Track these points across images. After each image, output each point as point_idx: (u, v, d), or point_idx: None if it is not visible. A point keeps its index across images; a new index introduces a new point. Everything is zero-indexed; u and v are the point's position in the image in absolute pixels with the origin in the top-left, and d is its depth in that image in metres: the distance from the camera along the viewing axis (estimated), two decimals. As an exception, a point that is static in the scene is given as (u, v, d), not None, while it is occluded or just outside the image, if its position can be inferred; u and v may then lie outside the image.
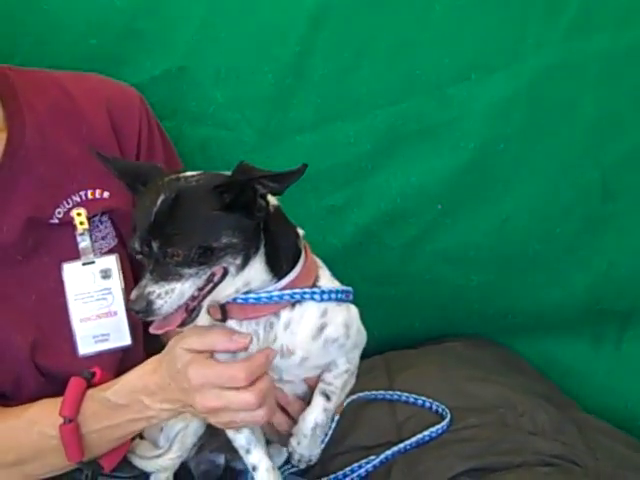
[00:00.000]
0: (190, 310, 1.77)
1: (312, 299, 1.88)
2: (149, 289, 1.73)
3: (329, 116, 2.74)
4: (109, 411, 1.97)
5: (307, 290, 1.88)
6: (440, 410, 2.60)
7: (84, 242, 2.17)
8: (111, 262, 2.20)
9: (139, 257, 1.78)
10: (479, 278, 2.95)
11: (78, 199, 2.18)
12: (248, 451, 2.00)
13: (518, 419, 2.57)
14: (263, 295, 1.85)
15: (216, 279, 1.78)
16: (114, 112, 2.28)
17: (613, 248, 2.90)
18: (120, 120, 2.28)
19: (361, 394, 2.60)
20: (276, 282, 1.85)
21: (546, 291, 2.98)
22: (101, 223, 2.22)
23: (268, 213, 1.80)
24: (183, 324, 1.78)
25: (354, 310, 1.96)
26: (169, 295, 1.73)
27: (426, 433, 2.50)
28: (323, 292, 1.90)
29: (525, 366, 3.03)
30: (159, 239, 1.73)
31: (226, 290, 1.82)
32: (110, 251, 2.21)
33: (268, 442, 2.08)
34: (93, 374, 2.02)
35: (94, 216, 2.20)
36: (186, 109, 2.71)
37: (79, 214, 2.17)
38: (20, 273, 2.13)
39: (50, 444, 1.98)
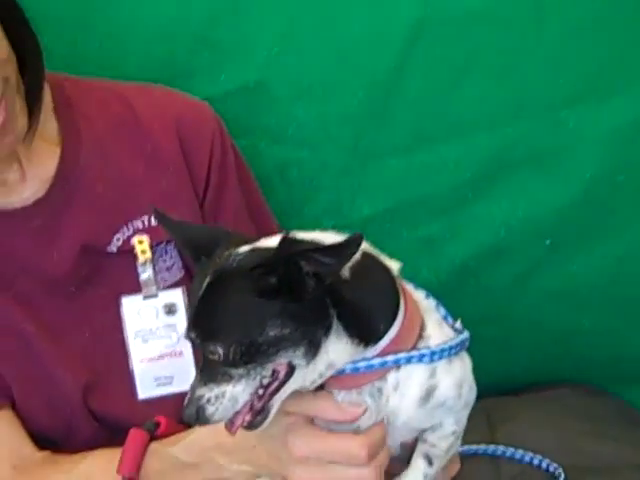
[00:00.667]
0: (256, 411, 1.54)
1: (421, 362, 1.64)
2: (198, 393, 1.52)
3: (426, 138, 2.59)
4: (176, 470, 1.80)
5: (414, 354, 1.63)
6: (552, 469, 2.40)
7: (146, 273, 2.05)
8: (176, 296, 2.08)
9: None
10: (591, 322, 2.77)
11: (140, 225, 2.07)
12: None
13: None
14: (361, 365, 1.60)
15: (282, 376, 1.53)
16: (184, 131, 2.15)
17: None
18: (191, 140, 2.15)
19: (459, 448, 2.37)
20: (372, 346, 1.60)
21: None
22: (166, 252, 2.10)
23: (336, 284, 1.53)
24: (251, 426, 1.55)
25: (468, 363, 1.73)
26: (219, 400, 1.51)
27: None
28: (434, 353, 1.64)
29: None
30: (197, 333, 1.53)
31: (305, 380, 1.56)
32: (175, 284, 2.10)
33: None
34: (157, 425, 1.86)
35: (158, 244, 2.08)
36: (264, 127, 2.56)
37: (141, 242, 2.05)
38: (73, 307, 2.04)
39: None
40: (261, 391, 1.52)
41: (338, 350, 1.55)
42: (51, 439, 2.03)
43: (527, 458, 2.44)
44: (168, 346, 2.06)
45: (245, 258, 1.53)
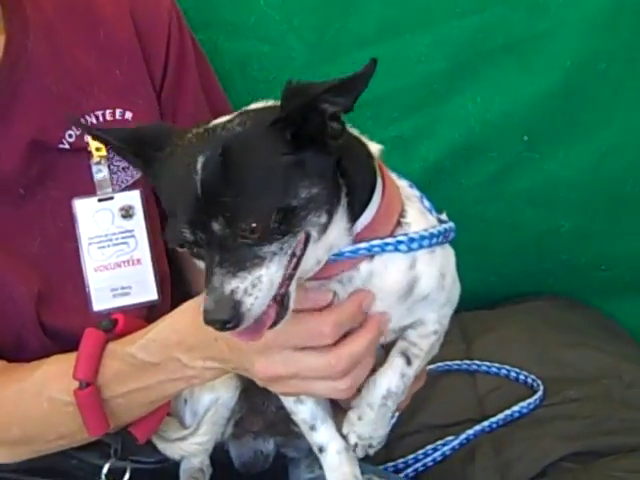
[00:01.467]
0: (280, 300, 1.40)
1: (397, 250, 1.53)
2: (229, 286, 1.35)
3: (394, 29, 2.51)
4: (137, 371, 1.71)
5: (390, 241, 1.53)
6: (530, 381, 2.43)
7: (101, 173, 1.92)
8: (134, 198, 1.94)
9: (189, 250, 1.42)
10: (570, 223, 2.72)
11: (94, 120, 1.93)
12: (313, 427, 1.71)
13: (625, 392, 2.39)
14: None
15: (298, 251, 1.41)
16: (139, 15, 2.02)
17: None
18: (146, 24, 2.02)
19: (433, 366, 2.38)
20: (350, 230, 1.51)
21: None
22: None
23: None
24: (277, 321, 1.41)
25: (451, 254, 1.64)
26: (258, 287, 1.35)
27: (515, 409, 2.32)
28: (412, 240, 1.54)
29: (620, 331, 2.84)
30: (221, 215, 1.34)
31: (307, 264, 1.45)
32: (133, 185, 1.96)
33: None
34: (114, 323, 1.74)
35: None
36: (222, 20, 2.49)
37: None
38: (22, 210, 1.89)
39: (64, 413, 1.72)
40: (288, 270, 1.40)
41: (339, 228, 1.46)
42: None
43: (504, 371, 2.45)
44: (125, 253, 1.93)
45: (250, 120, 1.41)
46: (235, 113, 1.46)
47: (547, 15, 2.46)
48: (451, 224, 1.64)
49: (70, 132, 1.90)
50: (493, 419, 2.30)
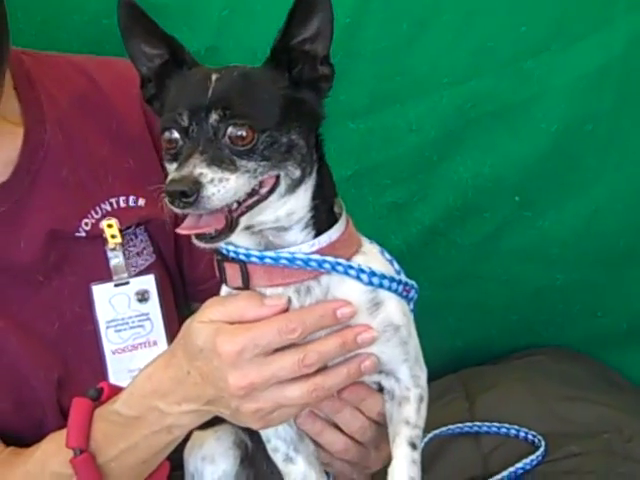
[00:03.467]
0: (230, 221, 1.55)
1: (358, 279, 1.67)
2: (199, 170, 1.50)
3: (386, 99, 2.59)
4: (122, 428, 1.77)
5: (354, 265, 1.67)
6: (531, 438, 2.45)
7: (116, 259, 2.04)
8: (149, 282, 2.06)
9: (175, 137, 1.57)
10: (564, 277, 2.80)
11: (109, 207, 2.06)
12: (289, 458, 1.79)
13: (626, 445, 2.41)
14: (299, 257, 1.63)
15: (263, 191, 1.58)
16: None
17: None
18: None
19: (437, 431, 2.45)
20: (312, 239, 1.66)
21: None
22: (136, 236, 2.09)
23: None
24: (219, 235, 1.54)
25: (411, 317, 1.78)
26: (223, 185, 1.51)
27: (518, 466, 2.34)
28: (374, 274, 1.68)
29: (621, 381, 2.89)
30: (222, 108, 1.54)
31: (266, 213, 1.60)
32: (147, 269, 2.08)
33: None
34: (100, 391, 1.83)
35: (128, 228, 2.07)
36: None
37: (110, 226, 2.04)
38: (41, 297, 2.00)
39: None
40: (242, 199, 1.54)
41: (303, 203, 1.63)
42: (22, 438, 1.97)
43: (504, 430, 2.48)
44: (141, 336, 2.03)
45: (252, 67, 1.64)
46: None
47: (532, 82, 2.54)
48: (414, 283, 1.76)
49: (86, 220, 2.01)
50: (497, 477, 2.32)
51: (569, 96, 2.56)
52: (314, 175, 1.65)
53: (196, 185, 1.47)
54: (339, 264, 1.64)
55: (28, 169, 1.98)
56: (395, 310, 1.70)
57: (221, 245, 1.64)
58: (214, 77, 1.56)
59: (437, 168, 2.64)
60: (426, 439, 2.30)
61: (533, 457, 2.36)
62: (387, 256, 1.79)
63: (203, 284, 2.15)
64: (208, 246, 1.55)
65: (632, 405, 2.64)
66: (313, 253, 1.63)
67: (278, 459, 1.79)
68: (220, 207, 1.50)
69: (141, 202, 2.04)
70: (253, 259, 1.63)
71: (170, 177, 1.49)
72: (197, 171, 1.49)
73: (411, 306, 1.78)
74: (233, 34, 2.52)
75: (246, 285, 1.65)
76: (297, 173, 1.59)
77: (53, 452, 1.83)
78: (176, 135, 1.56)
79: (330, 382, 1.65)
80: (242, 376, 1.60)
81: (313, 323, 1.61)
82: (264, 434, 1.79)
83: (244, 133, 1.52)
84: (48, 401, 1.97)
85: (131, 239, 2.06)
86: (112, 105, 2.10)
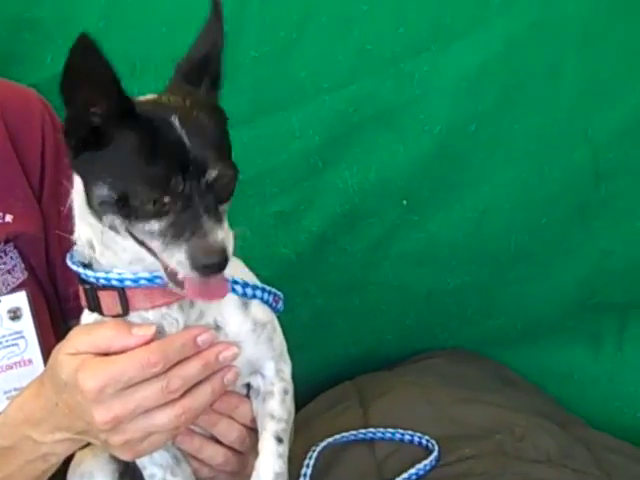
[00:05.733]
0: None
1: (233, 291, 1.71)
2: (220, 235, 1.53)
3: (267, 106, 2.63)
4: None
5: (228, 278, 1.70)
6: (425, 442, 2.47)
7: None
8: (21, 300, 2.05)
9: (166, 200, 1.52)
10: (455, 280, 2.86)
11: None
12: None
13: (517, 445, 2.44)
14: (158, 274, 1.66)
15: None
16: (10, 120, 2.14)
17: (606, 235, 2.81)
18: (18, 129, 2.13)
19: (330, 439, 2.45)
20: None
21: (532, 288, 2.90)
22: (6, 254, 2.08)
23: None
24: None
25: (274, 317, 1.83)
26: (228, 236, 1.55)
27: (412, 471, 2.34)
28: (246, 285, 1.74)
29: (517, 380, 2.94)
30: (212, 165, 1.53)
31: None
32: (18, 287, 2.07)
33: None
34: None
35: None
36: None
37: None
38: None
39: None
40: None
41: None
42: None
43: (398, 435, 2.50)
44: (16, 354, 2.03)
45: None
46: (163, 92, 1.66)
47: (413, 83, 2.59)
48: (280, 293, 1.82)
49: None
50: None
51: (451, 96, 2.62)
52: None
53: (224, 251, 1.52)
54: None
55: None
56: (262, 311, 1.76)
57: (87, 273, 1.67)
58: (184, 131, 1.53)
59: (323, 174, 2.68)
60: (320, 447, 2.34)
61: (426, 462, 2.35)
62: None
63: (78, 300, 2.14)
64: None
65: (523, 404, 2.70)
66: None
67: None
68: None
69: (8, 218, 2.04)
70: (127, 283, 1.65)
71: (200, 247, 1.51)
72: (220, 238, 1.51)
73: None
74: (111, 45, 2.51)
75: (125, 312, 1.66)
76: None
77: None
78: (167, 198, 1.52)
79: (197, 403, 1.68)
80: (106, 410, 1.62)
81: (175, 354, 1.63)
82: (139, 462, 1.82)
83: (228, 170, 1.56)
84: None
85: (0, 257, 2.05)
86: None
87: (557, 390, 2.95)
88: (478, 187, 2.72)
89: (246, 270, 1.80)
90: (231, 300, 1.72)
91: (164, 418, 1.64)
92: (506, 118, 2.65)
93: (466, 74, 2.60)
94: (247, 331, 1.75)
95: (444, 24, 2.58)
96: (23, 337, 2.03)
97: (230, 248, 1.53)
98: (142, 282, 1.64)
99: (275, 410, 1.80)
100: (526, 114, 2.65)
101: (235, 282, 1.71)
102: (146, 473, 1.83)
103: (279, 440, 1.77)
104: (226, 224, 1.54)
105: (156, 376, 1.62)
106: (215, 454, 1.83)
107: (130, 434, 1.65)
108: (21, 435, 1.75)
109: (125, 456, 1.71)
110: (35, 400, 1.74)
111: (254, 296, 1.74)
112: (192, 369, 1.65)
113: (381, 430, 2.51)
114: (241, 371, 1.76)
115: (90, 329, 1.69)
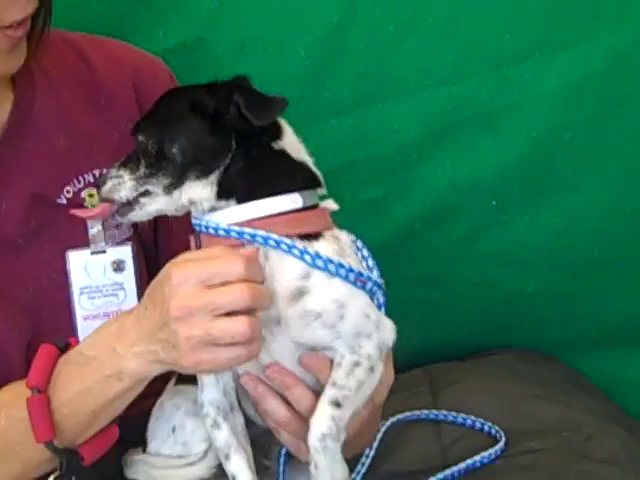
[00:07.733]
0: (123, 209, 1.97)
1: (302, 258, 1.81)
2: (111, 170, 1.95)
3: (369, 98, 2.69)
4: (79, 368, 1.84)
5: (299, 246, 1.81)
6: (493, 432, 2.51)
7: (95, 228, 2.10)
8: (125, 253, 2.13)
9: None
10: (537, 284, 2.89)
11: (91, 178, 2.13)
12: (227, 457, 1.91)
13: (584, 444, 2.45)
14: (222, 227, 1.83)
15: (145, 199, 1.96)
16: (141, 85, 2.25)
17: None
18: (147, 95, 2.19)
19: (400, 416, 2.53)
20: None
21: (613, 300, 2.92)
22: None
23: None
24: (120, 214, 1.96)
25: (361, 297, 1.86)
26: (115, 180, 1.94)
27: (477, 458, 2.40)
28: (318, 256, 1.81)
29: (587, 384, 2.97)
30: (135, 126, 1.95)
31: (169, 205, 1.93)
32: (125, 241, 2.16)
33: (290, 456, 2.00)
34: (67, 344, 1.91)
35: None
36: None
37: (91, 195, 2.11)
38: (19, 261, 2.07)
39: (20, 430, 1.84)
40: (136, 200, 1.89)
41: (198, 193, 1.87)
42: None
43: (469, 422, 2.56)
44: (114, 304, 2.11)
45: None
46: None
47: (515, 88, 2.63)
48: (376, 279, 1.87)
49: (68, 188, 2.09)
50: (455, 468, 2.34)
51: (550, 104, 2.66)
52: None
53: (105, 180, 1.95)
54: (281, 242, 1.80)
55: (17, 134, 2.06)
56: (320, 299, 1.81)
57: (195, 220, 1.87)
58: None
59: (416, 168, 2.73)
60: (388, 424, 2.42)
61: (491, 451, 2.40)
62: (365, 253, 1.93)
63: None
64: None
65: (593, 406, 2.70)
66: (242, 224, 1.81)
67: (207, 425, 1.93)
68: (110, 196, 1.92)
69: None
70: (210, 230, 1.85)
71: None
72: (111, 170, 1.95)
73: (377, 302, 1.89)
74: (221, 27, 2.62)
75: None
76: (162, 185, 1.88)
77: (14, 396, 1.87)
78: None
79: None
80: (182, 297, 1.68)
81: (258, 272, 1.75)
82: (200, 399, 1.93)
83: (138, 139, 1.93)
84: (16, 364, 2.03)
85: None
86: (102, 81, 2.19)
87: (625, 400, 2.96)
88: (568, 195, 2.75)
89: (349, 251, 1.90)
90: (284, 281, 1.81)
91: (229, 324, 1.68)
92: (602, 130, 2.68)
93: (567, 84, 2.64)
94: (295, 316, 1.83)
95: (550, 34, 2.62)
96: (123, 289, 2.11)
97: (108, 183, 1.91)
98: (210, 231, 1.86)
99: (339, 379, 1.83)
100: (623, 129, 2.69)
101: (305, 252, 1.79)
102: (203, 412, 1.92)
103: (336, 404, 1.82)
104: (126, 175, 1.89)
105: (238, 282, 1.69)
106: (276, 409, 1.89)
107: (196, 329, 1.68)
108: (107, 346, 1.80)
109: (189, 362, 1.71)
110: (129, 313, 1.82)
111: (325, 268, 1.79)
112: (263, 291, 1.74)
113: (453, 414, 2.56)
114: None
115: (200, 252, 1.82)
